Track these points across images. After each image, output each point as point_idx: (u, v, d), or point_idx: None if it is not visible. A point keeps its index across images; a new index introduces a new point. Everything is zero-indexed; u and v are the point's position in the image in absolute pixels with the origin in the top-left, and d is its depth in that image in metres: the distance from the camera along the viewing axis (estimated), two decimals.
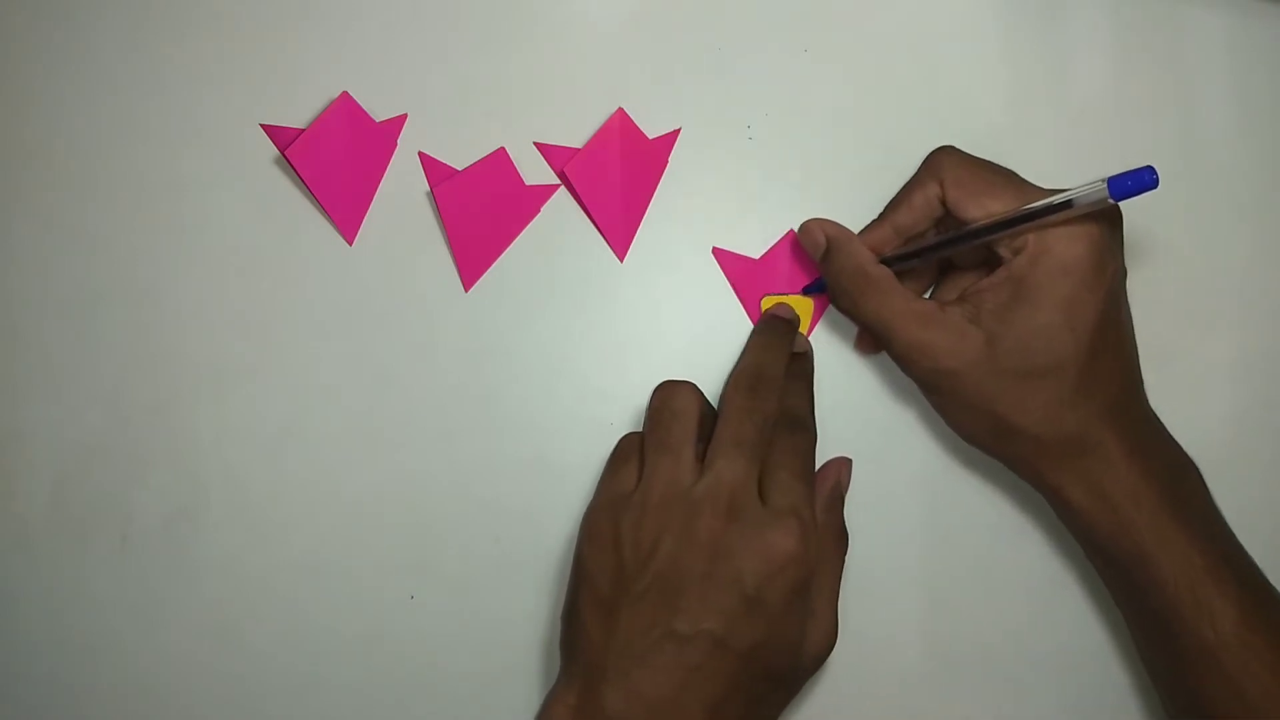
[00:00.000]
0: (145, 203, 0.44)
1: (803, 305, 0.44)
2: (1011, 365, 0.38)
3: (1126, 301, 0.40)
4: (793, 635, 0.37)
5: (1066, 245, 0.37)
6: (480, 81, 0.44)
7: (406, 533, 0.44)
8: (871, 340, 0.43)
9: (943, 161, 0.40)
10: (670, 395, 0.40)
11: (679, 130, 0.45)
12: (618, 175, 0.44)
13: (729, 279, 0.44)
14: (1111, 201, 0.35)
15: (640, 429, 0.41)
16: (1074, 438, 0.38)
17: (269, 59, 0.44)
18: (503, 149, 0.44)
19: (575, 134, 0.44)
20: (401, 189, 0.44)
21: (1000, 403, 0.38)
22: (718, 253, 0.44)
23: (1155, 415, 0.41)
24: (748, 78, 0.45)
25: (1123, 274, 0.39)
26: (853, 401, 0.45)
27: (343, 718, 0.43)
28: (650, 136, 0.44)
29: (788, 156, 0.45)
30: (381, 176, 0.44)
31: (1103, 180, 0.35)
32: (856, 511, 0.44)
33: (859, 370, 0.45)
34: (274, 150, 0.44)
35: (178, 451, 0.43)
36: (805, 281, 0.44)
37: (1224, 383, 0.46)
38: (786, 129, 0.45)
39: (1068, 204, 0.36)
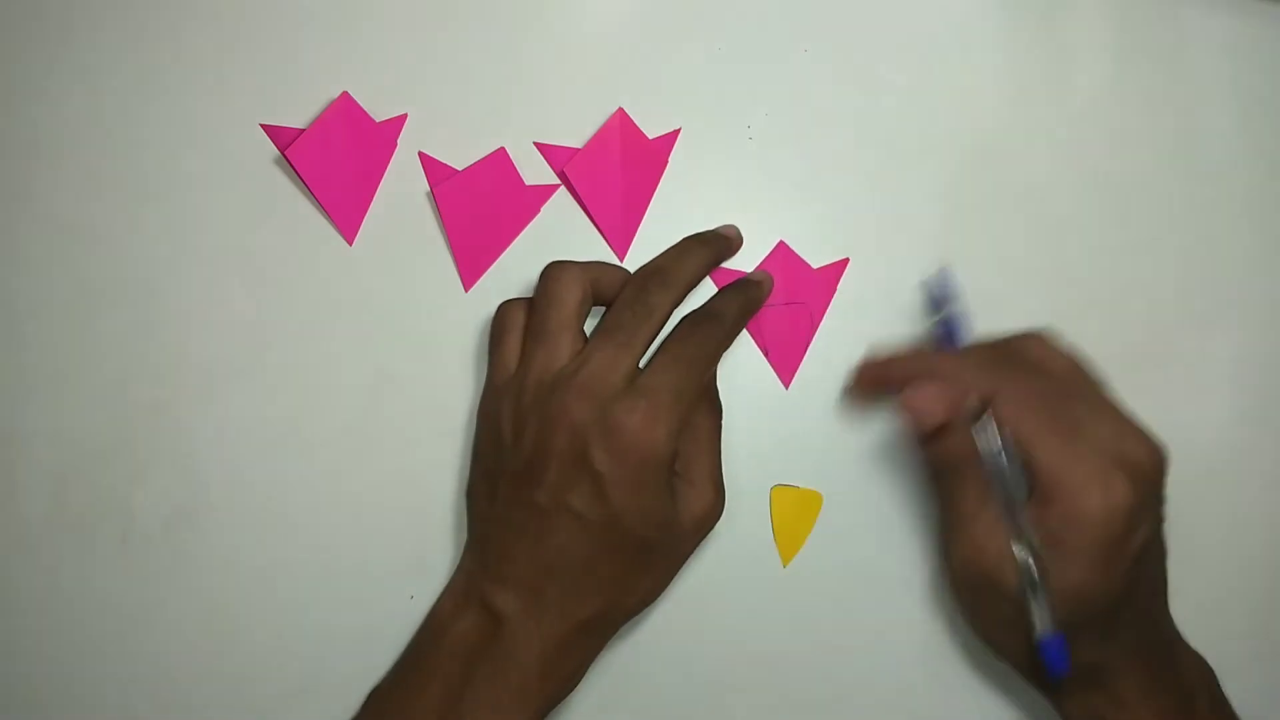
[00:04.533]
0: (146, 202, 0.44)
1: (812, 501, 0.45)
2: None
3: (1162, 537, 0.40)
4: (652, 506, 0.38)
5: (1100, 503, 0.37)
6: (480, 81, 0.44)
7: (406, 533, 0.44)
8: (869, 389, 0.44)
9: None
10: (551, 281, 0.40)
11: (679, 130, 0.45)
12: (618, 175, 0.44)
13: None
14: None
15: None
16: (1091, 668, 0.38)
17: (269, 59, 0.44)
18: (503, 149, 0.44)
19: (575, 134, 0.44)
20: (401, 189, 0.44)
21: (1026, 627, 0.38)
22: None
23: (1173, 625, 0.41)
24: (748, 78, 0.45)
25: (1159, 521, 0.39)
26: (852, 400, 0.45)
27: (343, 718, 0.43)
28: (650, 136, 0.44)
29: (788, 156, 0.45)
30: (381, 176, 0.44)
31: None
32: (857, 511, 0.44)
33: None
34: (274, 150, 0.44)
35: (178, 451, 0.43)
36: (792, 296, 0.44)
37: (1224, 383, 0.46)
38: (786, 129, 0.45)
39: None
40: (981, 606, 0.40)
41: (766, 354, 0.44)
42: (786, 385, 0.44)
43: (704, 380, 0.40)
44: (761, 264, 0.44)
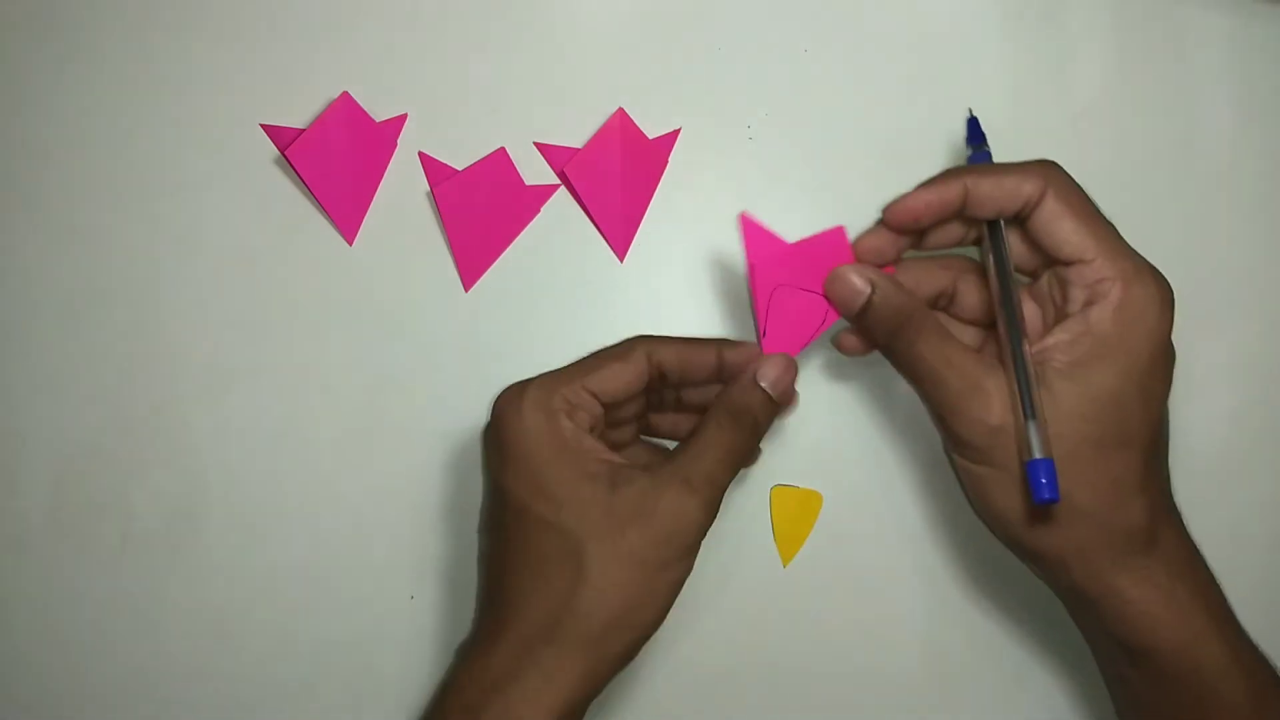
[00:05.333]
0: (145, 202, 0.44)
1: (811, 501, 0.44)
2: (1080, 432, 0.35)
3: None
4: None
5: (1152, 306, 0.35)
6: (480, 81, 0.44)
7: (406, 533, 0.43)
8: (860, 337, 0.40)
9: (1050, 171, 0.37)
10: None
11: (679, 130, 0.45)
12: (618, 175, 0.44)
13: (749, 257, 0.39)
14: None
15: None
16: (1141, 530, 0.35)
17: (269, 59, 0.44)
18: (503, 149, 0.44)
19: (575, 134, 0.44)
20: (401, 189, 0.44)
21: (1064, 475, 0.35)
22: (746, 223, 0.39)
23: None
24: (748, 78, 0.45)
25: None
26: (853, 400, 0.45)
27: (343, 718, 0.43)
28: (650, 136, 0.44)
29: (788, 156, 0.45)
30: (381, 176, 0.44)
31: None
32: (857, 511, 0.44)
33: (858, 369, 0.45)
34: (274, 150, 0.44)
35: (178, 451, 0.43)
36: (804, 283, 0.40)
37: (1224, 383, 0.46)
38: (786, 129, 0.45)
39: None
40: (992, 468, 0.36)
41: (762, 336, 0.40)
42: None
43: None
44: (808, 240, 0.40)
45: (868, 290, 0.37)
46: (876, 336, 0.38)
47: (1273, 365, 0.46)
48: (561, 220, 0.44)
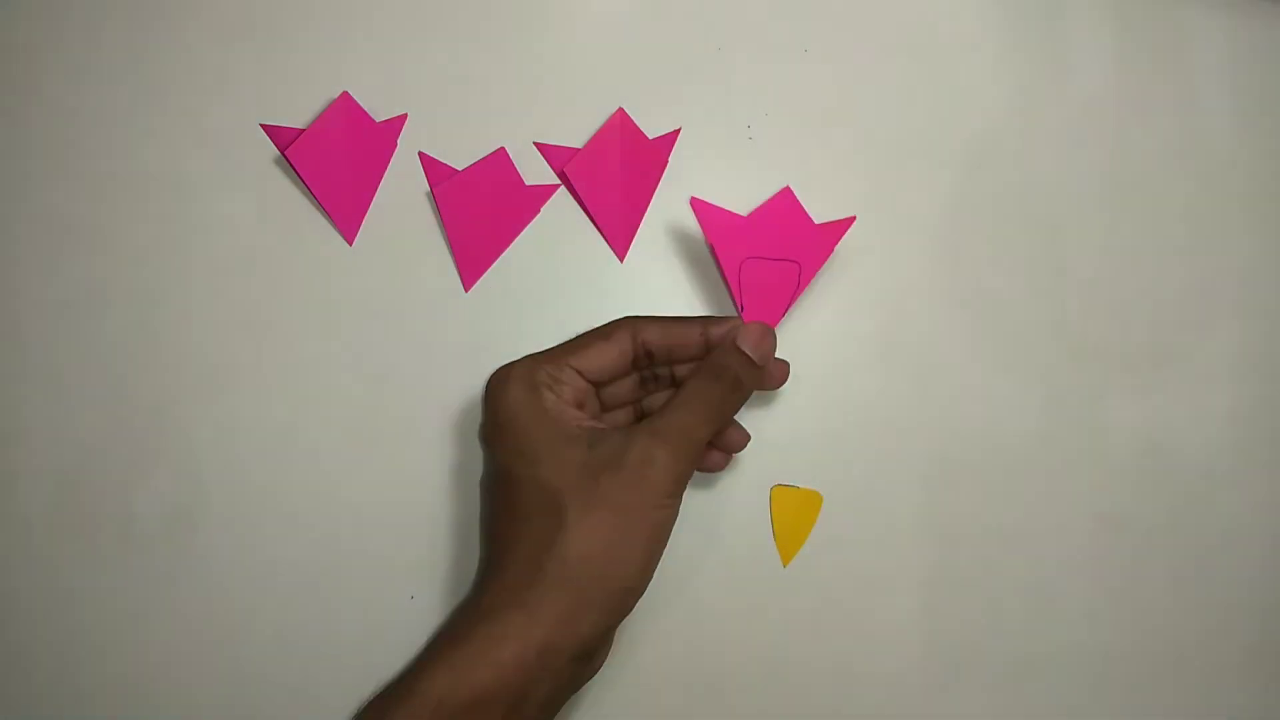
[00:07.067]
0: (146, 202, 0.44)
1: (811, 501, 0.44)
2: None
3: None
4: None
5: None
6: (480, 81, 0.44)
7: (406, 533, 0.43)
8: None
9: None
10: None
11: (679, 130, 0.45)
12: (618, 175, 0.44)
13: (708, 237, 0.42)
14: None
15: None
16: None
17: (269, 59, 0.44)
18: (503, 149, 0.44)
19: (575, 134, 0.44)
20: (401, 189, 0.44)
21: None
22: (697, 204, 0.42)
23: None
24: (748, 78, 0.45)
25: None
26: (852, 400, 0.45)
27: (343, 718, 0.43)
28: (650, 136, 0.44)
29: (788, 156, 0.45)
30: (381, 176, 0.44)
31: None
32: (857, 511, 0.44)
33: (858, 369, 0.45)
34: (274, 150, 0.44)
35: (178, 451, 0.43)
36: (794, 248, 0.42)
37: (1224, 383, 0.46)
38: (786, 129, 0.45)
39: None
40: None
41: (741, 310, 0.42)
42: None
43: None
44: (760, 209, 0.43)
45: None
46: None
47: (1273, 365, 0.46)
48: (561, 220, 0.44)
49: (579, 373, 0.40)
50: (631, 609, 0.38)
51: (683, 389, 0.39)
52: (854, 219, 0.42)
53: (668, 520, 0.38)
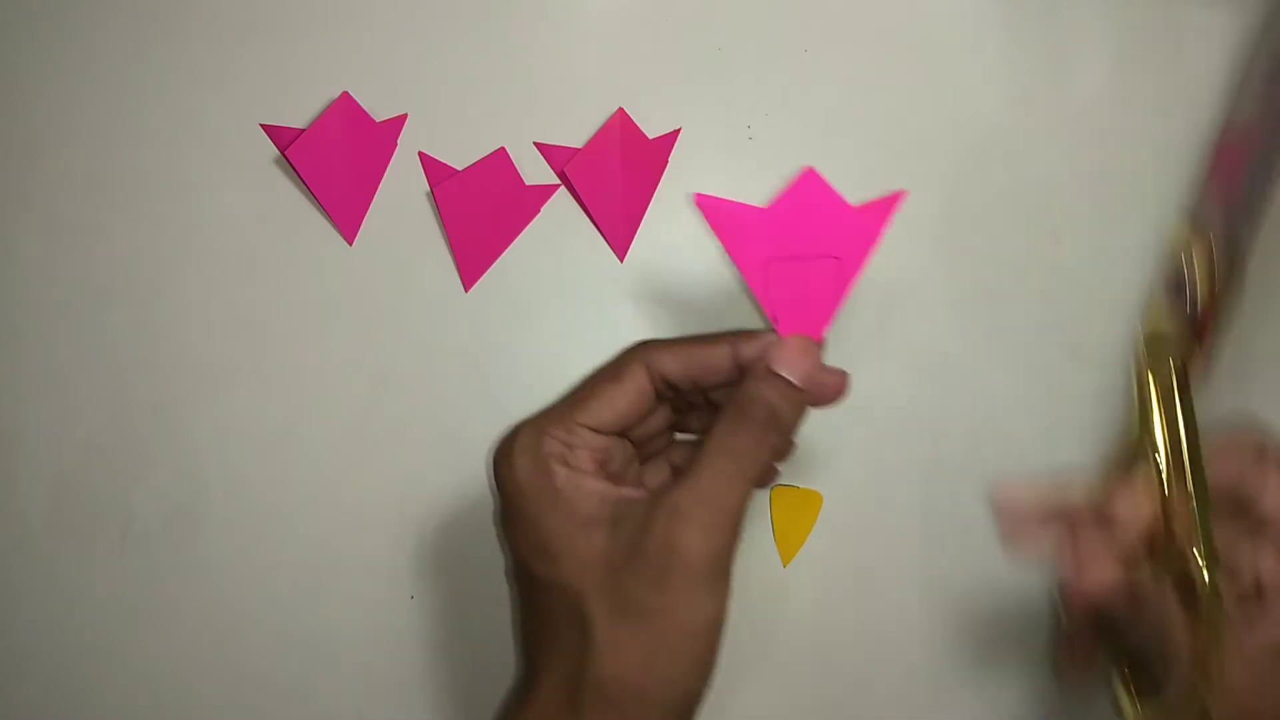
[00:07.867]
0: (146, 203, 0.44)
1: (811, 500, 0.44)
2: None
3: None
4: None
5: None
6: (480, 81, 0.44)
7: (406, 533, 0.44)
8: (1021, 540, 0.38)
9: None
10: None
11: (679, 130, 0.45)
12: (618, 175, 0.44)
13: (720, 237, 0.34)
14: None
15: None
16: None
17: (269, 59, 0.44)
18: (503, 149, 0.44)
19: (575, 134, 0.44)
20: (401, 189, 0.44)
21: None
22: (702, 201, 0.34)
23: None
24: (748, 78, 0.45)
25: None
26: (852, 400, 0.45)
27: (343, 717, 0.43)
28: (650, 136, 0.44)
29: (788, 156, 0.45)
30: (381, 176, 0.44)
31: None
32: (857, 511, 0.44)
33: (857, 369, 0.45)
34: (274, 150, 0.44)
35: (178, 451, 0.43)
36: (829, 240, 0.34)
37: (1223, 382, 0.45)
38: (786, 129, 0.45)
39: None
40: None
41: (775, 323, 0.36)
42: None
43: None
44: (780, 199, 0.35)
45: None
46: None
47: (1273, 365, 0.46)
48: (561, 220, 0.44)
49: (593, 429, 0.34)
50: (695, 714, 0.33)
51: (707, 439, 0.33)
52: (903, 194, 0.34)
53: (710, 619, 0.32)
